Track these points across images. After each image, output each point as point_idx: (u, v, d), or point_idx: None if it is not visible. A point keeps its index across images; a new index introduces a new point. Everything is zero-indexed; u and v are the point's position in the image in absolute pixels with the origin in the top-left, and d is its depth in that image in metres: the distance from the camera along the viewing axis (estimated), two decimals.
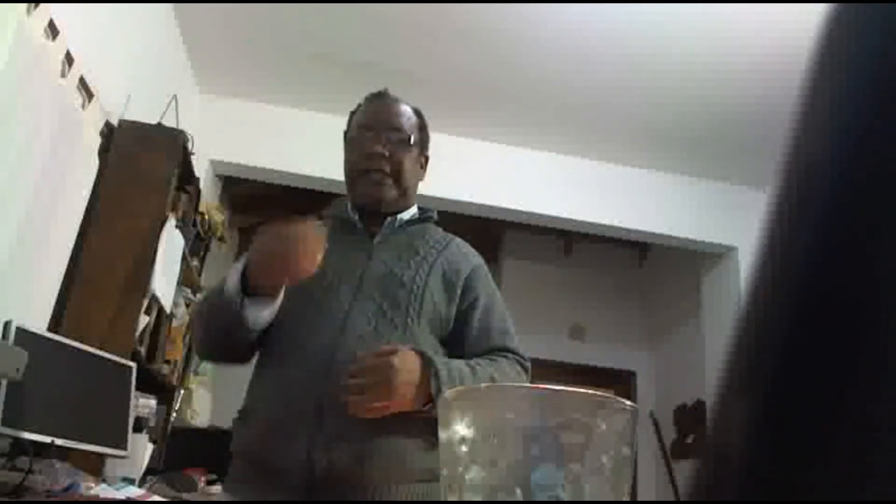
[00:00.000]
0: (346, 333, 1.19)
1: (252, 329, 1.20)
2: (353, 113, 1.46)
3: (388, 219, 1.38)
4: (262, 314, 1.18)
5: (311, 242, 1.11)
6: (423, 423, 1.12)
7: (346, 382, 1.09)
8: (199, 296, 1.25)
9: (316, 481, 1.10)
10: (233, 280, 1.16)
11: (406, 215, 1.41)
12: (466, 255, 1.39)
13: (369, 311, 1.23)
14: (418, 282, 1.28)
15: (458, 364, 1.18)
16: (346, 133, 1.46)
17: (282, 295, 1.20)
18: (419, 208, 1.46)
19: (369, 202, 1.37)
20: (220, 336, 1.24)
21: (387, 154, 1.34)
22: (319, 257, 1.11)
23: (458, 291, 1.31)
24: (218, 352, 1.33)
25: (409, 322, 1.24)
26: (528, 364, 1.33)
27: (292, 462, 1.11)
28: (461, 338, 1.30)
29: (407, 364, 1.10)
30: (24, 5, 1.91)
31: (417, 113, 1.45)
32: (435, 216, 1.47)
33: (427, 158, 1.47)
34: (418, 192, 1.46)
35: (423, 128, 1.44)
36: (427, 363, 1.12)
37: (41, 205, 2.16)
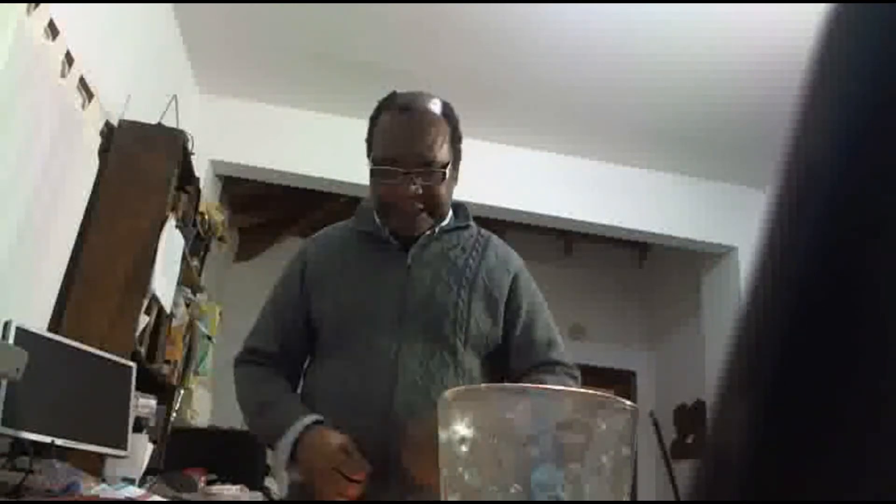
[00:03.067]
0: (399, 381, 1.17)
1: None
2: (373, 119, 1.31)
3: (424, 234, 1.29)
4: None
5: (355, 469, 1.10)
6: None
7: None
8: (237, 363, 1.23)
9: None
10: (285, 450, 1.16)
11: (443, 224, 1.33)
12: (505, 262, 1.33)
13: (418, 350, 1.20)
14: (461, 307, 1.23)
15: None
16: (368, 144, 1.31)
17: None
18: (452, 207, 1.37)
19: (404, 231, 1.29)
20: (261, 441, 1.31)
21: (420, 191, 1.23)
22: (357, 492, 1.10)
23: (502, 308, 1.27)
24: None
25: (458, 356, 1.21)
26: (578, 373, 1.29)
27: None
28: (506, 351, 1.27)
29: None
30: (24, 5, 1.91)
31: (448, 116, 1.30)
32: (469, 220, 1.38)
33: (460, 156, 1.36)
34: None
35: (455, 131, 1.31)
36: None
37: (41, 205, 2.16)
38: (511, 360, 1.26)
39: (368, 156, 1.31)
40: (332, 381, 1.23)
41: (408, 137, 1.24)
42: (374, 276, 1.26)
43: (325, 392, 1.23)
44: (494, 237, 1.39)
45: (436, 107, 1.28)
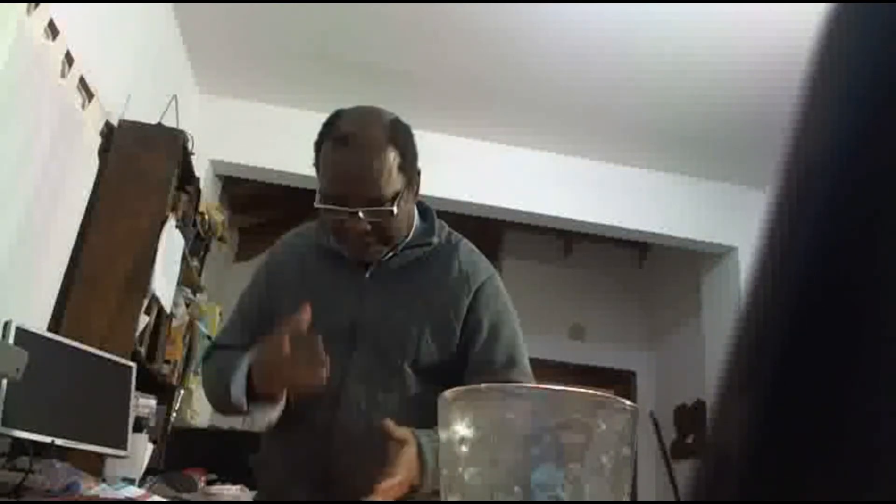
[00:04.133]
0: (341, 405, 1.17)
1: (262, 426, 1.21)
2: (317, 145, 1.21)
3: (384, 251, 1.24)
4: (270, 416, 1.17)
5: (312, 355, 1.07)
6: None
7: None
8: (203, 352, 1.21)
9: None
10: (238, 384, 1.14)
11: (404, 240, 1.26)
12: (469, 277, 1.25)
13: (364, 373, 1.18)
14: (413, 332, 1.19)
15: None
16: (316, 169, 1.21)
17: (285, 395, 1.16)
18: (419, 213, 1.31)
19: (357, 257, 1.24)
20: (233, 414, 1.26)
21: (369, 229, 1.17)
22: (323, 372, 1.06)
23: (458, 330, 1.21)
24: (231, 412, 1.32)
25: (406, 382, 1.19)
26: None
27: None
28: (461, 370, 1.20)
29: (410, 473, 1.06)
30: (24, 5, 1.91)
31: (395, 140, 1.17)
32: (433, 230, 1.30)
33: (419, 173, 1.25)
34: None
35: (406, 155, 1.18)
36: (420, 451, 1.07)
37: (41, 205, 2.16)
38: (465, 378, 1.17)
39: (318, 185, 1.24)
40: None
41: (350, 176, 1.15)
42: (330, 292, 1.23)
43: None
44: (463, 245, 1.31)
45: (380, 131, 1.17)
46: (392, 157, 1.15)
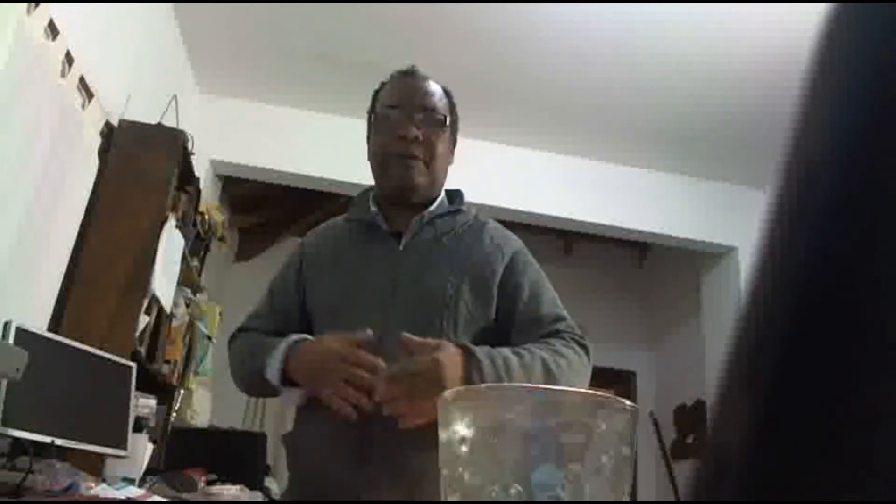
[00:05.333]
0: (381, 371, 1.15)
1: (294, 403, 1.22)
2: (377, 91, 1.36)
3: (415, 218, 1.28)
4: (302, 394, 1.19)
5: (360, 379, 1.06)
6: None
7: (386, 391, 1.03)
8: (233, 334, 1.25)
9: None
10: (273, 371, 1.15)
11: (434, 207, 1.31)
12: (501, 246, 1.29)
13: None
14: (450, 290, 1.19)
15: (505, 353, 1.09)
16: (370, 113, 1.35)
17: None
18: (447, 194, 1.37)
19: (400, 188, 1.27)
20: (259, 393, 1.30)
21: (420, 137, 1.24)
22: (364, 401, 1.05)
23: (495, 290, 1.23)
24: (258, 394, 1.36)
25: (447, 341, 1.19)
26: (588, 343, 1.21)
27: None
28: (507, 330, 1.21)
29: (451, 360, 1.04)
30: (24, 5, 1.91)
31: (448, 93, 1.35)
32: (464, 205, 1.36)
33: (455, 141, 1.36)
34: None
35: (453, 108, 1.34)
36: (468, 356, 1.06)
37: (41, 205, 2.16)
38: (513, 337, 1.19)
39: (369, 128, 1.34)
40: None
41: (409, 89, 1.30)
42: (365, 263, 1.25)
43: None
44: (492, 222, 1.36)
45: (437, 83, 1.35)
46: (445, 97, 1.33)
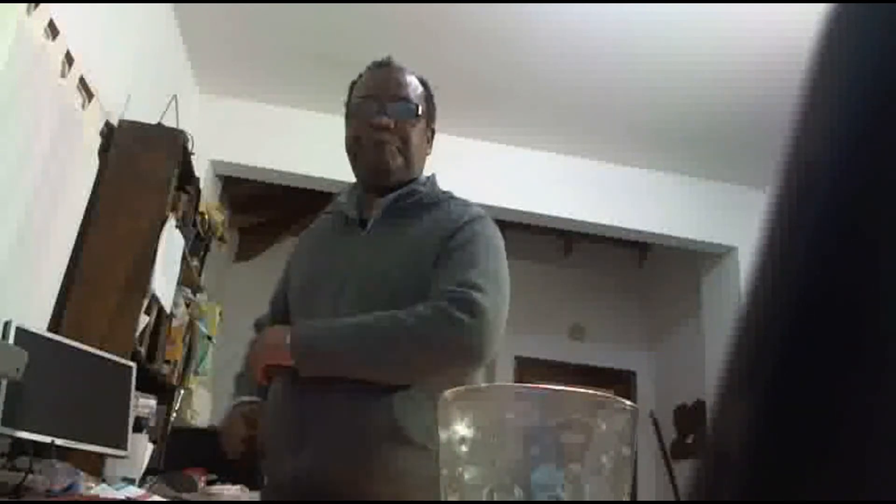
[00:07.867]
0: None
1: None
2: (353, 83, 1.39)
3: (378, 201, 1.29)
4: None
5: (237, 429, 1.27)
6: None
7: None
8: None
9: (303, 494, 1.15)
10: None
11: (400, 192, 1.30)
12: (456, 220, 1.25)
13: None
14: (396, 274, 1.20)
15: (329, 322, 1.18)
16: (347, 104, 1.38)
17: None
18: (419, 181, 1.35)
19: (374, 171, 1.29)
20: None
21: (393, 126, 1.26)
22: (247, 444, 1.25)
23: (433, 259, 1.20)
24: None
25: None
26: (484, 303, 1.12)
27: (282, 479, 1.20)
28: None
29: (270, 335, 1.22)
30: (24, 5, 1.91)
31: (423, 83, 1.37)
32: (427, 185, 1.34)
33: (433, 132, 1.38)
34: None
35: (429, 99, 1.37)
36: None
37: (41, 205, 2.16)
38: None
39: (347, 118, 1.38)
40: None
41: (382, 79, 1.33)
42: (330, 250, 1.32)
43: None
44: (458, 199, 1.33)
45: (412, 71, 1.37)
46: (420, 87, 1.35)
